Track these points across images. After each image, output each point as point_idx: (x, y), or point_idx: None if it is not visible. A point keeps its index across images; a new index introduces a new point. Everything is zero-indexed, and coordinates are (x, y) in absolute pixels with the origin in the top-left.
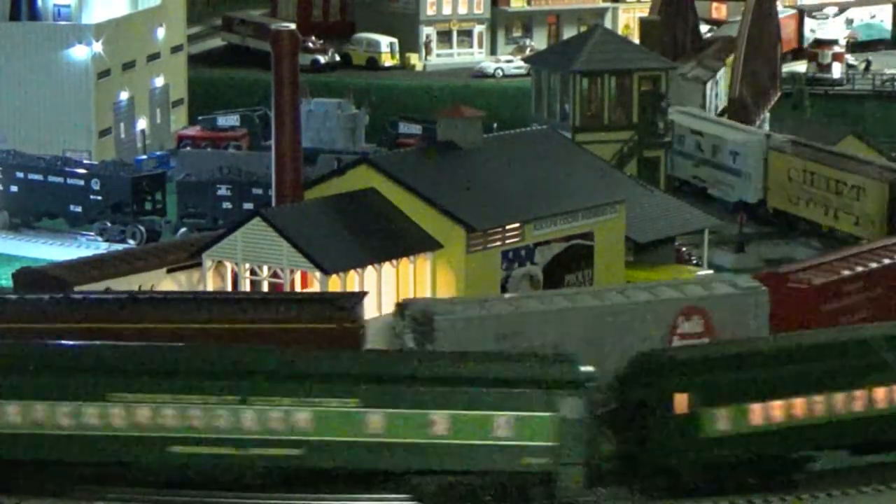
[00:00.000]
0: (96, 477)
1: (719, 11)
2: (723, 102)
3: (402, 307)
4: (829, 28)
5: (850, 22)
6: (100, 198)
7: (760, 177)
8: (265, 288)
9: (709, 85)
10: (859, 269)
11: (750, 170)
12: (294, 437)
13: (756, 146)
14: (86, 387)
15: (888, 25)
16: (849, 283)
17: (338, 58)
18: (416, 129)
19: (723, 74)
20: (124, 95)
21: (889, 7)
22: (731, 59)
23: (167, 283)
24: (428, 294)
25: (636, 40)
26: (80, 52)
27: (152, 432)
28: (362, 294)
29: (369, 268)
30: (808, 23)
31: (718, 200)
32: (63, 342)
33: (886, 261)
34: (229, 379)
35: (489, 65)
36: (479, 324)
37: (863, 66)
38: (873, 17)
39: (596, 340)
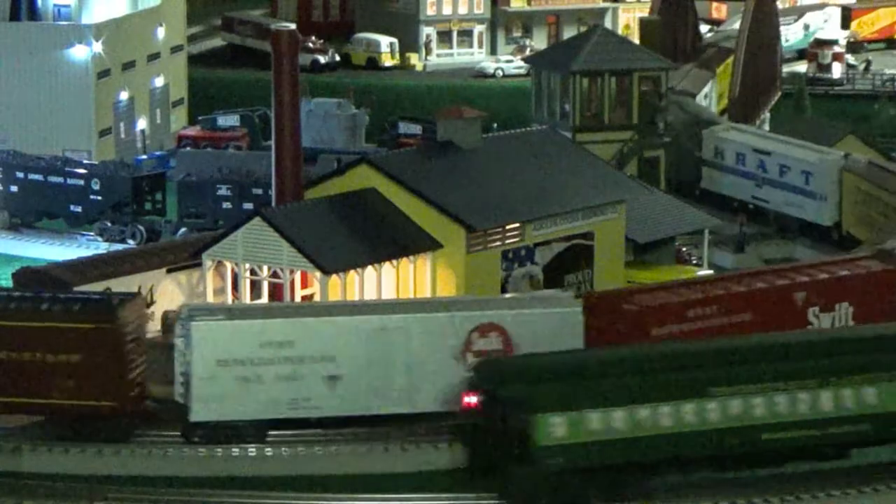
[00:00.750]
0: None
1: (719, 11)
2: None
3: (178, 312)
4: (790, 33)
5: (807, 27)
6: (100, 198)
7: (836, 199)
8: (265, 288)
9: (699, 97)
10: (718, 292)
11: (825, 191)
12: (862, 412)
13: (831, 166)
14: (687, 385)
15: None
16: (695, 307)
17: (338, 58)
18: (416, 129)
19: (713, 85)
20: (124, 95)
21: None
22: (722, 68)
23: (167, 283)
24: (428, 294)
25: (636, 40)
26: (80, 52)
27: (745, 422)
28: (133, 295)
29: (369, 268)
30: None
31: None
32: (661, 344)
33: (760, 285)
34: (810, 364)
35: (489, 65)
36: (239, 330)
37: (863, 66)
38: (826, 21)
39: (381, 355)
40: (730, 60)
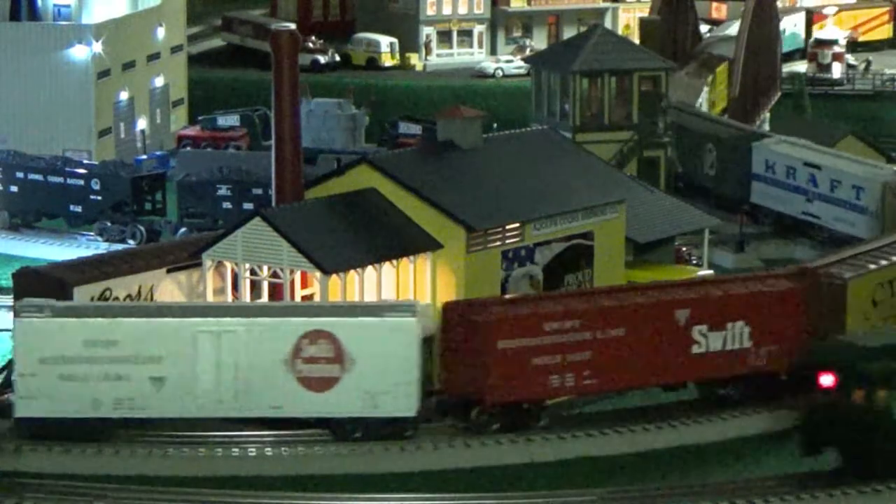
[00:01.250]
0: None
1: (719, 11)
2: None
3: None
4: None
5: (783, 31)
6: (100, 198)
7: (884, 215)
8: (265, 288)
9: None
10: (583, 306)
11: (877, 207)
12: None
13: (882, 181)
14: None
15: (802, 34)
16: (552, 320)
17: (338, 58)
18: (416, 129)
19: (705, 96)
20: (124, 95)
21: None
22: (712, 76)
23: (167, 283)
24: (428, 294)
25: (636, 40)
26: (80, 52)
27: None
28: None
29: (369, 268)
30: None
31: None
32: None
33: (635, 300)
34: None
35: (489, 65)
36: (62, 328)
37: (863, 66)
38: (795, 25)
39: (208, 358)
40: (721, 68)
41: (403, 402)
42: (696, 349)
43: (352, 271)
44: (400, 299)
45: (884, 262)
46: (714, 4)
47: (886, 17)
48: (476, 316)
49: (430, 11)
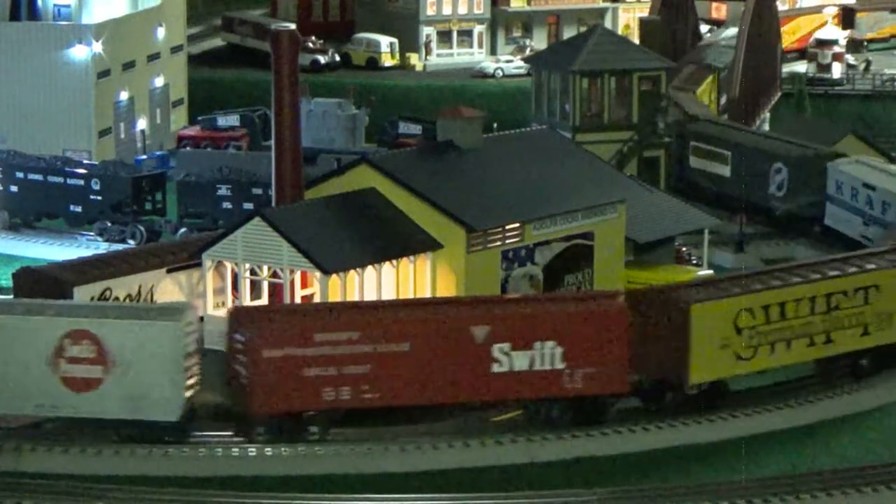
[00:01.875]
0: None
1: (719, 11)
2: None
3: None
4: None
5: None
6: (100, 198)
7: None
8: (265, 288)
9: None
10: (362, 318)
11: None
12: None
13: None
14: None
15: None
16: (326, 331)
17: (338, 58)
18: (416, 129)
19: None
20: (124, 95)
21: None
22: (703, 87)
23: (167, 283)
24: (428, 294)
25: (636, 40)
26: (80, 52)
27: None
28: None
29: (369, 268)
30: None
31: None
32: None
33: (424, 314)
34: None
35: (489, 65)
36: None
37: (863, 66)
38: None
39: None
40: (710, 79)
41: (166, 406)
42: (497, 368)
43: (352, 271)
44: (169, 302)
45: (758, 286)
46: (714, 4)
47: (836, 21)
48: (245, 323)
49: (430, 11)
